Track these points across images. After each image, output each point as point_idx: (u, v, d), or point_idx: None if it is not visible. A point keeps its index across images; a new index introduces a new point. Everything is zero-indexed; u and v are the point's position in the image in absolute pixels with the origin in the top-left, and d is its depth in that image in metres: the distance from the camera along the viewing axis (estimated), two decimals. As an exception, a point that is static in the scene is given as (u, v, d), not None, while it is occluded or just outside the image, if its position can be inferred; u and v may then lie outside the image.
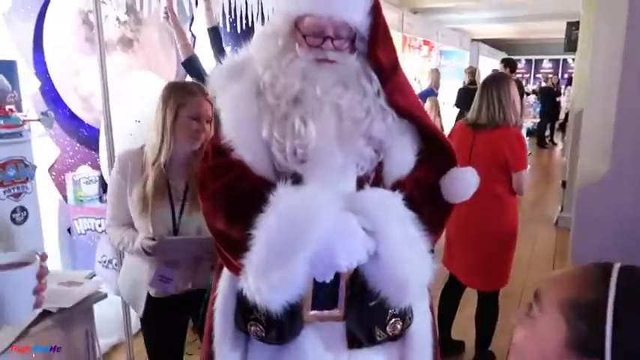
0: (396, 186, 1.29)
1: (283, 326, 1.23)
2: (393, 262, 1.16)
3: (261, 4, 3.45)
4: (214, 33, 3.03)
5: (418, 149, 1.35)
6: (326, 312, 1.26)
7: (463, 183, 1.35)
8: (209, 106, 1.85)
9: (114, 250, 3.04)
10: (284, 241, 1.07)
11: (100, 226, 3.09)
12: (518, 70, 19.73)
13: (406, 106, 1.34)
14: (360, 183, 1.27)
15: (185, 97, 1.84)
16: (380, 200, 1.19)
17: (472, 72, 7.09)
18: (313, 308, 1.25)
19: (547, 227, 5.72)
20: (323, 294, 1.24)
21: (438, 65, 8.69)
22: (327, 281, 1.15)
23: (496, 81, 2.67)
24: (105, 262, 3.12)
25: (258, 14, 3.48)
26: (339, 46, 1.27)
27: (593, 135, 2.01)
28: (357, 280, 1.22)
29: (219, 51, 3.06)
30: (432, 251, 1.26)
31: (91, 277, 1.91)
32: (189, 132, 1.83)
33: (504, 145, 2.58)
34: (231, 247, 1.24)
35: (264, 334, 1.27)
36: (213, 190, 1.29)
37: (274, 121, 1.25)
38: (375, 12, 1.30)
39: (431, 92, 6.61)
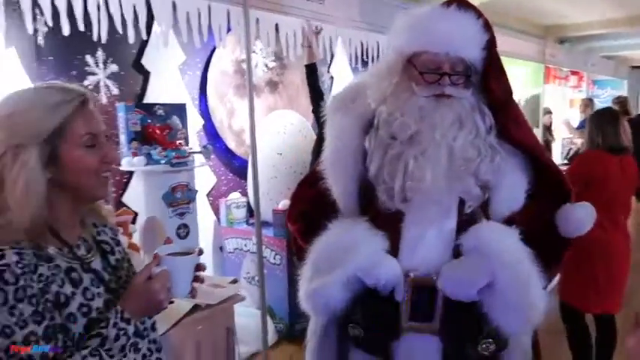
0: (509, 222, 1.33)
1: (381, 332, 1.32)
2: (510, 291, 1.22)
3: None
4: (310, 70, 3.17)
5: (530, 184, 1.36)
6: (422, 324, 1.31)
7: (577, 220, 1.36)
8: None
9: (256, 268, 3.42)
10: (324, 265, 1.30)
11: (245, 246, 3.50)
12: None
13: (520, 138, 1.37)
14: (467, 220, 1.33)
15: None
16: (496, 231, 1.27)
17: (622, 102, 6.34)
18: (411, 319, 1.31)
19: None
20: (420, 307, 1.31)
21: (590, 95, 8.10)
22: (385, 290, 1.28)
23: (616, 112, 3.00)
24: (248, 278, 3.52)
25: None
26: (455, 82, 1.30)
27: None
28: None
29: (313, 88, 3.18)
30: (545, 288, 1.30)
31: (234, 282, 2.23)
32: None
33: (636, 170, 2.75)
34: (299, 251, 1.47)
35: (361, 338, 1.34)
36: (300, 208, 1.52)
37: (385, 161, 1.32)
38: (490, 46, 1.33)
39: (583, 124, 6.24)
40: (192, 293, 1.14)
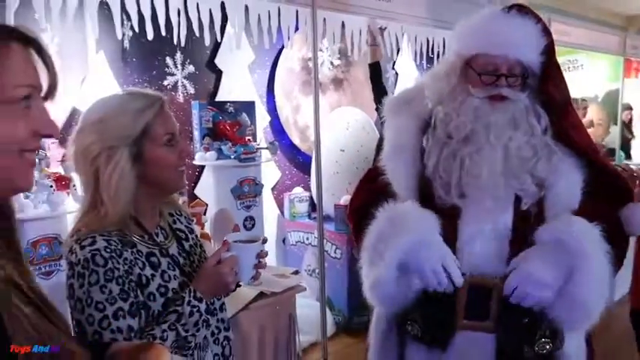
0: None
1: (437, 329, 1.35)
2: (581, 291, 1.24)
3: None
4: (374, 68, 3.17)
5: (587, 184, 1.37)
6: (476, 322, 1.32)
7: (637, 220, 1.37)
8: None
9: (317, 261, 3.53)
10: (375, 257, 1.32)
11: (307, 239, 3.62)
12: None
13: (577, 140, 1.39)
14: (523, 218, 1.35)
15: None
16: (585, 225, 1.28)
17: None
18: (466, 317, 1.33)
19: None
20: (475, 305, 1.32)
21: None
22: (442, 289, 1.29)
23: None
24: (309, 270, 3.63)
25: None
26: (511, 83, 1.34)
27: None
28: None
29: (376, 86, 3.17)
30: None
31: (296, 273, 2.35)
32: None
33: None
34: (357, 247, 1.50)
35: (419, 334, 1.38)
36: (359, 202, 1.56)
37: (441, 158, 1.36)
38: (549, 50, 1.37)
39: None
40: (256, 277, 1.24)
